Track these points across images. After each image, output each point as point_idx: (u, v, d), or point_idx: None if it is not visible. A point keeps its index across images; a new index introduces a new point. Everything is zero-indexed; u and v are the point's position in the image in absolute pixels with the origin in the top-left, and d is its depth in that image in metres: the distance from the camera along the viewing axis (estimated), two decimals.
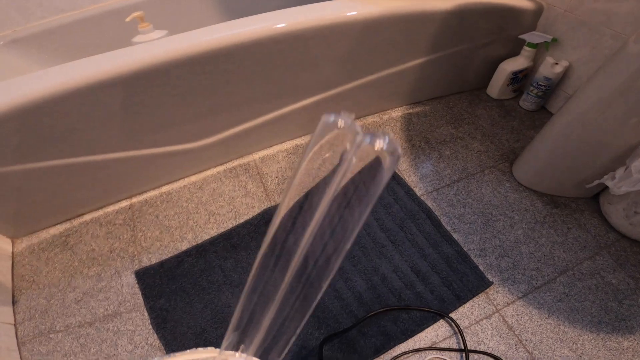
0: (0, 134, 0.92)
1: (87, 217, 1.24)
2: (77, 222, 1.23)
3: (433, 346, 0.97)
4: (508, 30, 1.37)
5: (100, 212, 1.25)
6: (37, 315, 1.06)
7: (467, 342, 0.97)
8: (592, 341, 0.97)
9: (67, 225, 1.22)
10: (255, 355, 0.51)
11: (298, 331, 0.51)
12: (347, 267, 1.09)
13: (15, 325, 1.05)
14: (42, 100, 0.89)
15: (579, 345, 0.97)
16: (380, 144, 0.39)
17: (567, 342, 0.98)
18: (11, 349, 1.00)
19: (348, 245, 0.44)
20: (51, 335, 1.02)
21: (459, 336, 0.98)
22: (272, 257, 0.49)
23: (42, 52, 1.42)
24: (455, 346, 0.97)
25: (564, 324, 1.00)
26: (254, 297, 0.52)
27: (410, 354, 0.97)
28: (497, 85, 1.49)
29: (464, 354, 0.96)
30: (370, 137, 0.39)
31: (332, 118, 0.42)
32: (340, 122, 0.41)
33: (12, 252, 1.18)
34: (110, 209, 1.26)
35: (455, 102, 1.55)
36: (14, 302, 1.09)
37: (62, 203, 1.19)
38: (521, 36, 1.36)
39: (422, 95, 1.51)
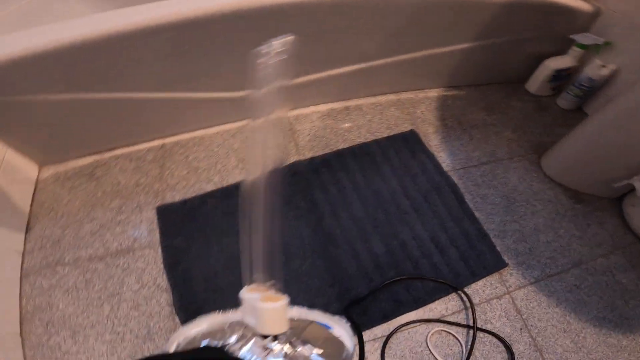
0: (56, 66, 0.88)
1: (118, 152, 1.18)
2: (107, 155, 1.17)
3: (441, 319, 0.93)
4: (559, 29, 1.27)
5: (132, 148, 1.19)
6: (48, 245, 1.00)
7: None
8: (594, 335, 0.93)
9: (97, 157, 1.17)
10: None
11: None
12: (367, 229, 1.04)
13: (23, 254, 0.99)
14: (97, 39, 0.85)
15: (580, 338, 0.93)
16: None
17: (570, 332, 0.93)
18: (13, 280, 0.94)
19: None
20: (58, 268, 0.97)
21: (469, 312, 0.93)
22: None
23: None
24: (463, 321, 0.92)
25: (570, 315, 0.95)
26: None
27: (417, 323, 0.92)
28: (537, 80, 1.40)
29: (469, 331, 0.92)
30: None
31: None
32: None
33: (37, 179, 1.12)
34: (143, 146, 1.20)
35: (492, 91, 1.46)
36: (27, 230, 1.03)
37: (96, 135, 1.13)
38: (572, 36, 1.26)
39: (459, 80, 1.43)
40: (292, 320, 0.45)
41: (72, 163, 1.15)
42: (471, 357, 0.88)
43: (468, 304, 0.95)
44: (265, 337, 0.37)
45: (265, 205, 0.37)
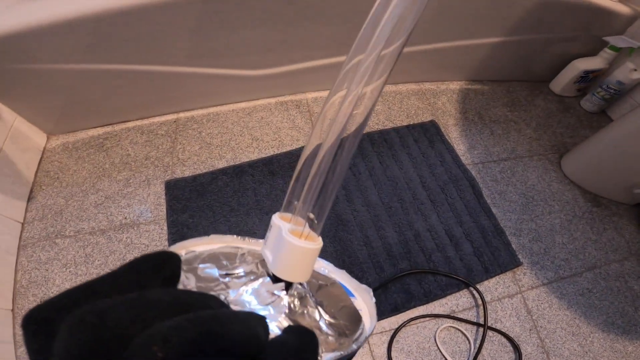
0: (78, 36, 0.81)
1: (130, 124, 1.09)
2: (119, 127, 1.09)
3: (451, 315, 0.86)
4: (593, 30, 1.18)
5: (144, 122, 1.10)
6: (49, 216, 0.92)
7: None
8: (602, 340, 0.87)
9: (108, 129, 1.08)
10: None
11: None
12: (381, 216, 0.95)
13: (23, 224, 0.90)
14: (121, 10, 0.78)
15: (588, 342, 0.86)
16: None
17: (578, 336, 0.87)
18: (9, 252, 0.85)
19: None
20: (57, 240, 0.88)
21: (480, 310, 0.86)
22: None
23: None
24: (473, 319, 0.86)
25: (579, 319, 0.89)
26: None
27: (427, 318, 0.85)
28: (563, 80, 1.30)
29: (478, 329, 0.85)
30: None
31: None
32: None
33: (44, 147, 1.03)
34: (156, 120, 1.11)
35: (515, 88, 1.36)
36: (29, 199, 0.94)
37: (109, 107, 1.05)
38: (606, 38, 1.17)
39: (483, 75, 1.33)
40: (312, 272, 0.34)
41: (82, 134, 1.07)
42: (479, 356, 0.82)
43: (480, 302, 0.87)
44: (277, 280, 0.26)
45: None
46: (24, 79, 0.87)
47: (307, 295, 0.30)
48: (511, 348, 0.84)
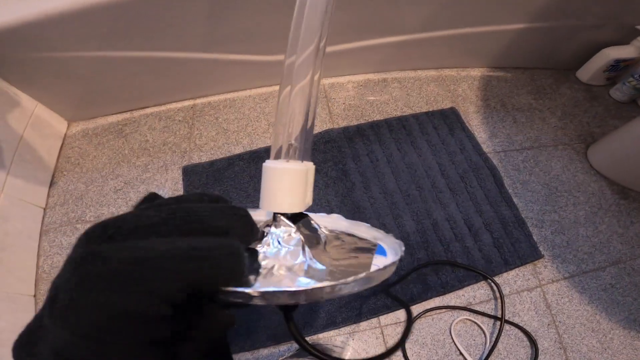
0: (94, 23, 0.78)
1: (148, 110, 1.07)
2: (137, 113, 1.06)
3: (468, 307, 0.81)
4: (625, 18, 1.07)
5: (162, 108, 1.08)
6: (70, 201, 0.90)
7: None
8: (622, 337, 0.81)
9: (127, 115, 1.06)
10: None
11: None
12: (399, 204, 0.90)
13: (45, 209, 0.89)
14: None
15: (608, 339, 0.80)
16: None
17: (598, 332, 0.81)
18: (32, 237, 0.84)
19: None
20: (78, 225, 0.87)
21: (498, 303, 0.81)
22: None
23: None
24: (490, 312, 0.81)
25: (600, 315, 0.83)
26: None
27: (443, 310, 0.81)
28: (591, 69, 1.19)
29: (495, 322, 0.80)
30: None
31: None
32: None
33: (65, 134, 1.02)
34: (173, 106, 1.08)
35: (540, 76, 1.25)
36: (51, 184, 0.93)
37: (128, 94, 1.02)
38: (639, 27, 1.06)
39: (507, 62, 1.23)
40: (334, 233, 0.29)
41: (102, 120, 1.05)
42: (494, 350, 0.77)
43: (497, 294, 0.82)
44: (275, 217, 0.23)
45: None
46: (43, 67, 0.85)
47: (294, 234, 0.24)
48: (528, 343, 0.79)
